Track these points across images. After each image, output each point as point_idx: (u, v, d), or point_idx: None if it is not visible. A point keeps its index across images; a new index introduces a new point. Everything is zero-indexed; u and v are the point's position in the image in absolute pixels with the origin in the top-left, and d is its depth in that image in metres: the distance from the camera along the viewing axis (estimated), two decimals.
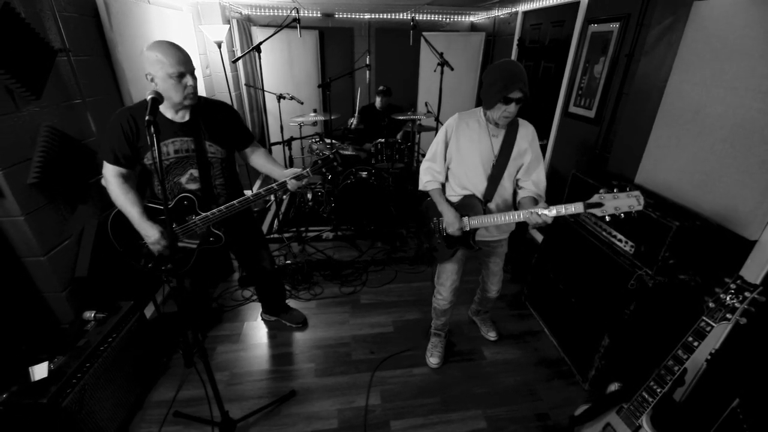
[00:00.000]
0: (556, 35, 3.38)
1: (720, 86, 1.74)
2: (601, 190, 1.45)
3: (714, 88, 1.76)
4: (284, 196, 4.38)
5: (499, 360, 2.28)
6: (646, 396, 1.36)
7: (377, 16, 4.89)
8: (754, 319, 1.17)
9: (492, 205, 1.81)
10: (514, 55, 4.09)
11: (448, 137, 1.80)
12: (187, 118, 1.68)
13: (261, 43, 3.03)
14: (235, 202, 1.73)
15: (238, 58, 3.28)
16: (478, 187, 1.79)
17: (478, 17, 4.99)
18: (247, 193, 1.74)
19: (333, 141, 3.77)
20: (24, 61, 1.64)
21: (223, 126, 1.79)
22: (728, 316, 1.19)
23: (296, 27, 3.08)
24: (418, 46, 4.78)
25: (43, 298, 1.84)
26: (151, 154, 1.66)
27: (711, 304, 1.23)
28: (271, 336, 2.45)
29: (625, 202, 1.40)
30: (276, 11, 4.66)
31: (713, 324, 1.21)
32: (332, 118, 3.45)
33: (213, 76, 3.96)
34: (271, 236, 3.65)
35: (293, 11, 4.31)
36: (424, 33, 4.14)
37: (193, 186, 1.76)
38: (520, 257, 3.15)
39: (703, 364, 1.74)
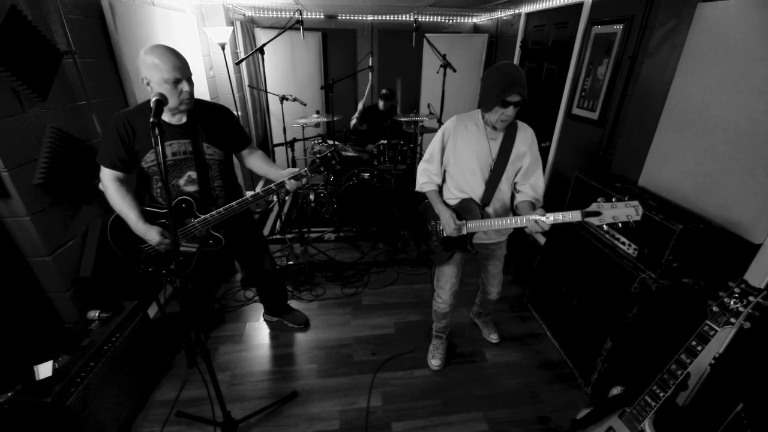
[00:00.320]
0: (559, 37, 3.38)
1: (724, 88, 1.73)
2: (599, 199, 1.44)
3: (718, 91, 1.76)
4: (287, 197, 4.39)
5: (500, 362, 2.28)
6: (649, 400, 1.35)
7: (380, 18, 4.89)
8: (759, 324, 1.16)
9: (490, 209, 1.80)
10: (516, 57, 4.09)
11: (446, 140, 1.79)
12: (184, 120, 1.69)
13: (264, 45, 3.05)
14: (233, 203, 1.73)
15: (242, 60, 3.29)
16: (476, 191, 1.77)
17: (481, 19, 4.99)
18: (248, 194, 1.75)
19: (335, 142, 3.78)
20: (30, 63, 1.66)
21: (221, 128, 1.79)
22: (732, 320, 1.18)
23: (299, 29, 3.10)
24: (421, 48, 4.79)
25: (47, 297, 1.85)
26: (148, 158, 1.66)
27: (715, 309, 1.22)
28: (273, 337, 2.46)
29: (623, 211, 1.39)
30: (279, 13, 4.68)
31: (717, 328, 1.20)
32: (335, 119, 3.46)
33: (217, 77, 3.97)
34: (274, 237, 3.66)
35: (296, 13, 4.33)
36: (426, 35, 4.14)
37: (191, 188, 1.76)
38: (522, 259, 3.15)
39: (707, 368, 1.73)
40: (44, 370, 1.49)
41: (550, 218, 1.52)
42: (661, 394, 1.32)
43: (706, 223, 1.72)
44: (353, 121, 4.26)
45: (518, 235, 2.02)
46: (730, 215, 1.71)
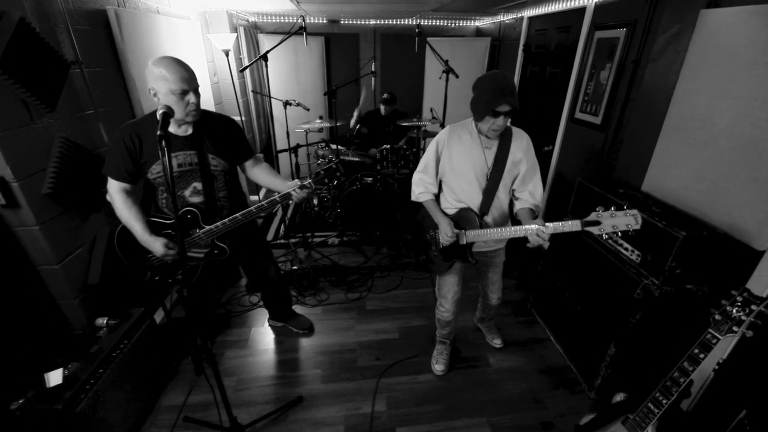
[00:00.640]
0: (562, 41, 3.38)
1: (728, 95, 1.73)
2: (598, 208, 1.45)
3: (721, 98, 1.76)
4: (290, 201, 4.42)
5: (504, 367, 2.29)
6: (652, 407, 1.36)
7: (382, 22, 4.92)
8: (761, 332, 1.16)
9: (488, 218, 1.80)
10: (519, 60, 4.10)
11: (440, 151, 1.78)
12: (190, 132, 1.70)
13: (268, 52, 3.07)
14: (238, 215, 1.74)
15: (246, 68, 3.32)
16: (473, 201, 1.77)
17: (484, 22, 5.00)
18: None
19: (339, 146, 3.80)
20: (39, 74, 1.68)
21: (226, 139, 1.81)
22: (734, 328, 1.19)
23: (302, 34, 3.12)
24: (424, 52, 4.80)
25: (56, 304, 1.88)
26: (154, 169, 1.68)
27: (717, 317, 1.23)
28: (278, 342, 2.48)
29: (623, 221, 1.40)
30: (282, 18, 4.72)
31: (719, 337, 1.21)
32: (338, 124, 3.48)
33: (221, 83, 4.01)
34: (278, 242, 3.68)
35: (299, 18, 4.36)
36: (429, 38, 4.15)
37: (196, 199, 1.78)
38: (525, 264, 3.15)
39: (710, 374, 1.73)
40: (55, 377, 1.51)
41: (549, 228, 1.52)
42: (664, 402, 1.33)
43: (709, 229, 1.72)
44: (356, 124, 4.30)
45: (521, 239, 2.02)
46: (733, 221, 1.71)
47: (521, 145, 1.73)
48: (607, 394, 2.00)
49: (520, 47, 4.04)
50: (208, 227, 1.76)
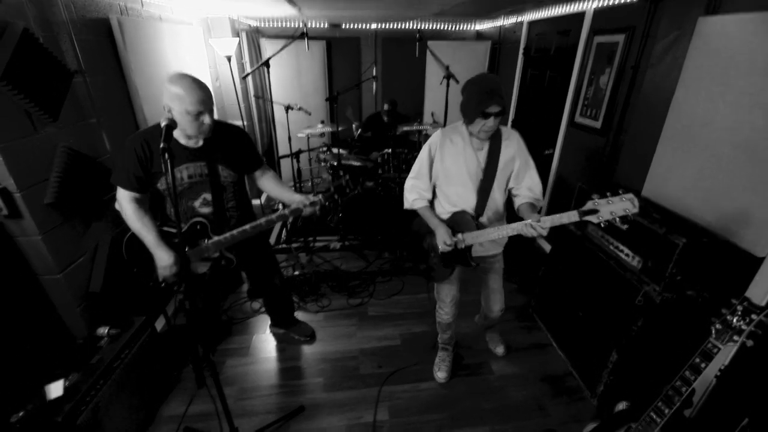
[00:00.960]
0: (562, 45, 3.39)
1: (726, 102, 1.73)
2: (594, 196, 1.43)
3: (720, 103, 1.76)
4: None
5: (507, 374, 2.28)
6: (654, 416, 1.35)
7: (384, 26, 4.94)
8: (762, 341, 1.16)
9: (484, 219, 1.79)
10: (519, 64, 4.11)
11: (433, 154, 1.78)
12: (200, 143, 1.70)
13: (269, 58, 3.08)
14: (247, 227, 1.74)
15: (248, 74, 3.34)
16: (469, 203, 1.77)
17: (484, 26, 5.01)
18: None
19: (340, 150, 3.80)
20: (42, 84, 1.69)
21: (236, 150, 1.82)
22: (735, 338, 1.19)
23: (304, 39, 3.13)
24: (424, 56, 4.81)
25: (57, 314, 1.88)
26: (165, 180, 1.68)
27: (718, 326, 1.23)
28: (280, 349, 2.47)
29: (620, 206, 1.39)
30: (284, 23, 4.74)
31: (720, 346, 1.21)
32: (339, 129, 3.49)
33: (223, 87, 4.02)
34: (279, 246, 3.68)
35: (300, 23, 4.38)
36: (430, 42, 4.16)
37: (205, 210, 1.79)
38: (527, 268, 3.15)
39: (712, 380, 1.73)
40: (55, 389, 1.51)
41: (547, 222, 1.52)
42: (666, 411, 1.32)
43: (710, 236, 1.73)
44: (358, 130, 4.31)
45: (522, 242, 2.00)
46: (734, 227, 1.71)
47: (512, 143, 1.74)
48: (609, 401, 1.98)
49: (520, 51, 4.05)
50: (217, 238, 1.76)
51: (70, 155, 1.86)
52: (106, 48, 2.23)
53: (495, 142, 1.71)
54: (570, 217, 1.47)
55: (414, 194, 1.85)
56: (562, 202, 3.37)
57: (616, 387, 1.96)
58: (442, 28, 5.06)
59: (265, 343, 2.52)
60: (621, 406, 1.56)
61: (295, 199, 1.78)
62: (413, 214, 1.94)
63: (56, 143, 1.82)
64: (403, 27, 4.96)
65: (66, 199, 1.83)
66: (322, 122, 3.82)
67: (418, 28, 4.55)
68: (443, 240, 1.73)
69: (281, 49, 3.14)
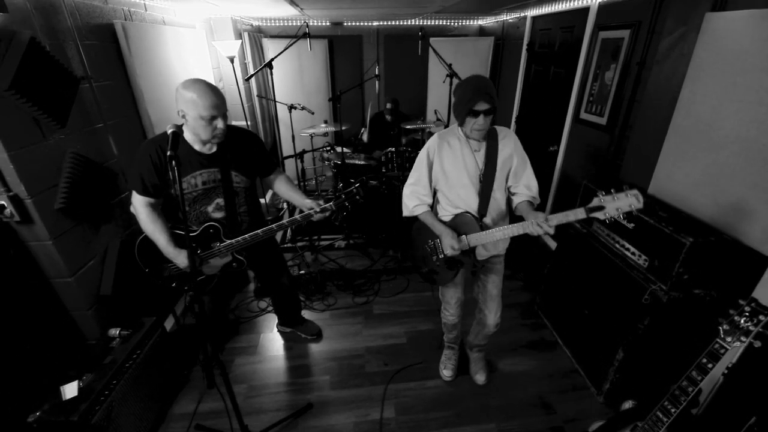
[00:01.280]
0: (566, 40, 3.36)
1: (733, 100, 1.72)
2: (599, 193, 1.44)
3: (727, 102, 1.74)
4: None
5: (512, 372, 2.29)
6: (661, 416, 1.36)
7: (385, 24, 4.92)
8: None
9: (487, 220, 1.78)
10: (523, 60, 4.07)
11: (431, 159, 1.78)
12: (214, 149, 1.72)
13: (272, 60, 3.10)
14: (259, 231, 1.77)
15: (251, 77, 3.34)
16: (471, 205, 1.76)
17: (487, 21, 4.98)
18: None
19: (344, 149, 3.81)
20: (50, 92, 1.71)
21: (248, 155, 1.84)
22: (743, 339, 1.19)
23: (306, 38, 3.13)
24: (427, 53, 4.78)
25: (70, 316, 1.92)
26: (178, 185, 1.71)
27: (725, 327, 1.23)
28: (287, 348, 2.51)
29: (626, 201, 1.39)
30: (286, 22, 4.74)
31: (727, 347, 1.21)
32: (343, 128, 3.50)
33: (226, 88, 4.03)
34: (285, 245, 3.71)
35: (303, 22, 4.37)
36: (432, 39, 4.14)
37: (218, 214, 1.82)
38: (532, 265, 3.15)
39: (720, 377, 1.73)
40: (70, 390, 1.55)
41: (554, 221, 1.51)
42: (673, 410, 1.33)
43: (717, 234, 1.72)
44: (364, 133, 4.33)
45: (527, 239, 1.99)
46: (741, 226, 1.70)
47: (508, 142, 1.74)
48: (616, 399, 2.00)
49: (524, 47, 4.02)
50: (228, 241, 1.80)
51: (79, 161, 1.88)
52: (111, 53, 2.25)
53: (491, 142, 1.72)
54: (577, 214, 1.47)
55: (414, 200, 1.83)
56: (567, 199, 3.36)
57: (622, 385, 1.97)
58: (444, 24, 5.03)
59: (273, 341, 2.55)
60: (627, 404, 1.57)
61: (306, 204, 1.80)
62: (409, 218, 1.93)
63: (65, 149, 1.84)
64: (405, 24, 4.94)
65: (75, 204, 1.85)
66: (326, 122, 3.82)
67: (421, 25, 4.53)
68: (450, 245, 1.71)
69: (283, 50, 3.15)
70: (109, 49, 2.23)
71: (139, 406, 1.83)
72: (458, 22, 5.05)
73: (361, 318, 2.75)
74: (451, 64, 3.02)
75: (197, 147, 1.69)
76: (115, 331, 1.87)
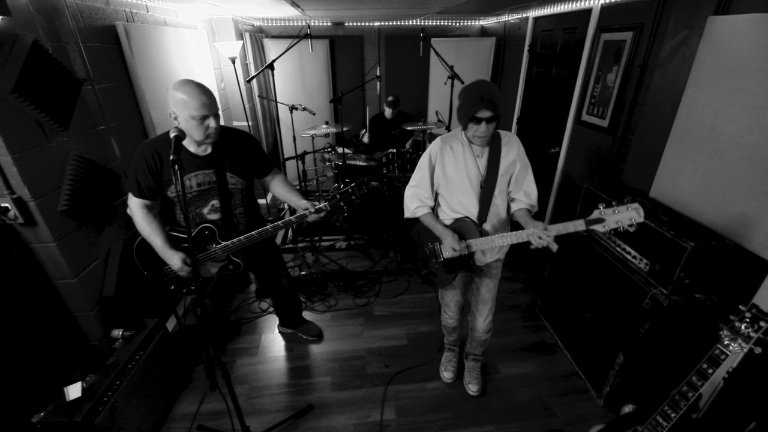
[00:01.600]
0: (568, 41, 3.35)
1: (736, 104, 1.71)
2: (600, 206, 1.44)
3: (729, 106, 1.74)
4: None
5: (512, 374, 2.30)
6: (661, 420, 1.36)
7: (387, 24, 4.91)
8: None
9: (487, 226, 1.77)
10: (524, 61, 4.07)
11: (433, 163, 1.77)
12: (209, 151, 1.73)
13: (273, 61, 3.10)
14: (254, 233, 1.77)
15: (252, 78, 3.35)
16: (471, 210, 1.75)
17: (488, 22, 4.97)
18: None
19: (345, 150, 3.81)
20: (53, 94, 1.72)
21: (244, 157, 1.84)
22: (743, 345, 1.19)
23: (308, 39, 3.14)
24: (428, 54, 4.78)
25: (73, 317, 1.93)
26: (174, 188, 1.71)
27: (726, 332, 1.23)
28: (288, 349, 2.51)
29: (626, 215, 1.40)
30: (287, 22, 4.74)
31: (727, 352, 1.21)
32: (344, 129, 3.50)
33: (227, 89, 4.04)
34: (286, 246, 3.72)
35: (304, 22, 4.37)
36: (433, 39, 4.13)
37: (214, 216, 1.83)
38: (533, 267, 3.15)
39: (720, 382, 1.73)
40: (74, 391, 1.56)
41: (552, 231, 1.52)
42: (673, 415, 1.33)
43: (718, 239, 1.71)
44: (364, 135, 4.33)
45: (524, 243, 1.99)
46: (743, 231, 1.70)
47: (512, 147, 1.72)
48: (616, 402, 2.00)
49: (526, 47, 4.01)
50: (224, 243, 1.80)
51: (82, 163, 1.89)
52: (113, 55, 2.25)
53: (495, 148, 1.70)
54: (576, 226, 1.47)
55: (415, 202, 1.83)
56: (568, 201, 3.36)
57: (622, 388, 1.97)
58: (445, 24, 5.03)
59: (274, 342, 2.56)
60: (627, 408, 1.58)
61: (301, 204, 1.80)
62: (409, 219, 1.93)
63: (68, 151, 1.85)
64: (406, 24, 4.94)
65: (78, 206, 1.86)
66: (327, 123, 3.83)
67: (422, 25, 4.52)
68: (451, 246, 1.71)
69: (284, 52, 3.15)
70: (111, 51, 2.23)
71: (142, 406, 1.84)
72: (460, 23, 5.04)
73: (362, 319, 2.76)
74: (452, 66, 3.02)
75: (192, 149, 1.70)
76: (118, 332, 1.89)
